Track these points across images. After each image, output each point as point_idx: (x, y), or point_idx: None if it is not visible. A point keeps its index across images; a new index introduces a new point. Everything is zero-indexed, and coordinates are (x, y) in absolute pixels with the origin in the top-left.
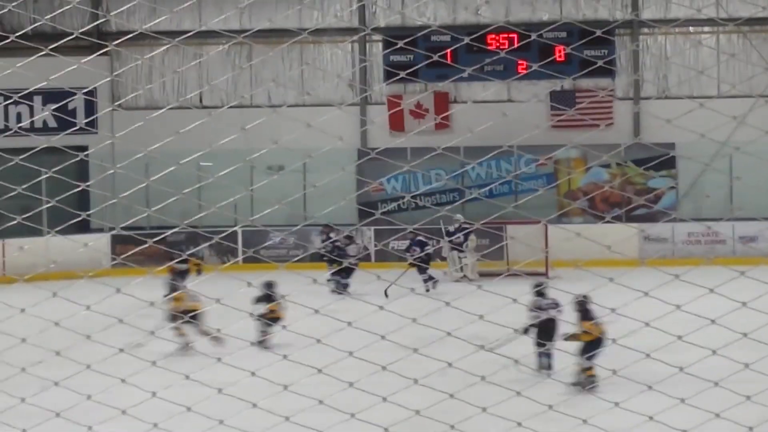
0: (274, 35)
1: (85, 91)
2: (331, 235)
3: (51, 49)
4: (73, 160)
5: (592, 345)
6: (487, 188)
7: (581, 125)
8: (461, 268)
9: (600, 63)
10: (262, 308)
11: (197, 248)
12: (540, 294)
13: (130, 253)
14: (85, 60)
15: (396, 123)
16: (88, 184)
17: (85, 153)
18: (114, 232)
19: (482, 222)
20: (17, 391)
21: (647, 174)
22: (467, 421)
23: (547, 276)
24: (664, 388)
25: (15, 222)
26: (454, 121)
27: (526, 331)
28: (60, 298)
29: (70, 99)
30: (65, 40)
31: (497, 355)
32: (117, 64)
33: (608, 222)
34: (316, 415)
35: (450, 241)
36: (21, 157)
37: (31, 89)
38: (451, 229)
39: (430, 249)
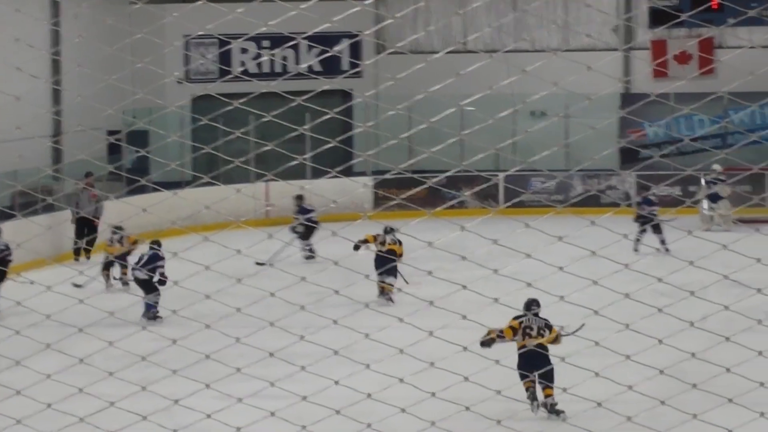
0: None
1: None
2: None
3: None
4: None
5: None
6: (754, 135)
7: None
8: (711, 218)
9: None
10: None
11: (458, 192)
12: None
13: (407, 194)
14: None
15: (659, 68)
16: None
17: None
18: (380, 177)
19: (757, 168)
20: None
21: None
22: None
23: None
24: None
25: (295, 163)
26: (719, 65)
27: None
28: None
29: (351, 41)
30: None
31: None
32: (383, 8)
33: None
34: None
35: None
36: (304, 97)
37: (309, 33)
38: (708, 178)
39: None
